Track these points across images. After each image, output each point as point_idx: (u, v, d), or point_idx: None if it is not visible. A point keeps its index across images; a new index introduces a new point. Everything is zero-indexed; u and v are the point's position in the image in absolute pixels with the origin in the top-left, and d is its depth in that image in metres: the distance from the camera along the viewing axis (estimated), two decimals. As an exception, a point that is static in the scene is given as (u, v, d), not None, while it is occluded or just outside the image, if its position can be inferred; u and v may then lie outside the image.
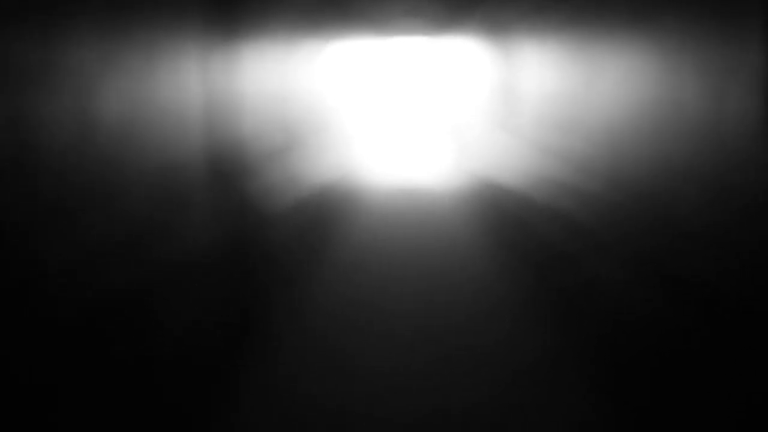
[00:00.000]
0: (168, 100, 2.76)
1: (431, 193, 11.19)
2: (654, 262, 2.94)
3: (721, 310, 2.33)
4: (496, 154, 7.89)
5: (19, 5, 1.66)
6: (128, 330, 2.29)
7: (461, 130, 13.15)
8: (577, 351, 4.17)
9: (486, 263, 6.42)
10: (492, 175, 8.19)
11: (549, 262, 5.04)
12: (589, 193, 3.94)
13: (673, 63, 2.67)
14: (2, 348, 1.58)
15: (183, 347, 2.88)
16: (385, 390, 3.69)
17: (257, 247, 4.30)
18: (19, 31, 1.65)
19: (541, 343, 4.40)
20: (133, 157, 2.32)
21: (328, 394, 3.64)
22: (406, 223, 8.58)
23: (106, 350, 2.12)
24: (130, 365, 2.31)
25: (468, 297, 5.42)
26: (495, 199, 7.92)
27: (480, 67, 9.62)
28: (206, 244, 3.17)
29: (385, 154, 18.09)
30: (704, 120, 2.43)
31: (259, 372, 3.91)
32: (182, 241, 2.84)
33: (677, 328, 2.67)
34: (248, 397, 3.59)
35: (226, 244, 3.51)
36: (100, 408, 2.09)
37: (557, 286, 4.79)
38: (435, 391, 3.68)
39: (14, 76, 1.64)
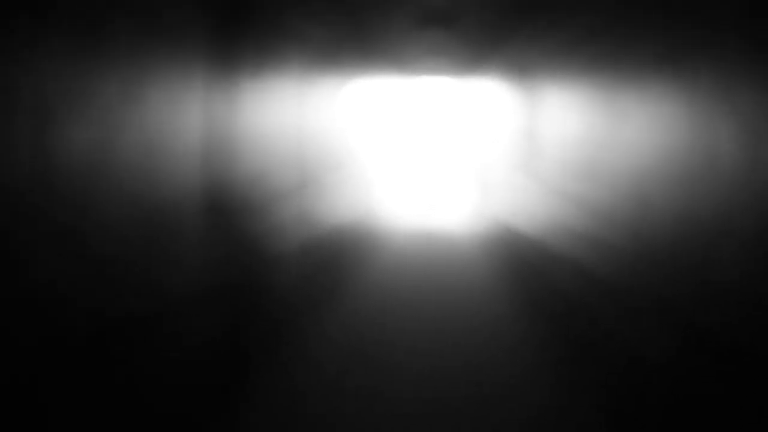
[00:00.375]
0: (165, 137, 2.64)
1: (450, 236, 11.02)
2: (677, 315, 2.80)
3: (745, 367, 2.13)
4: (517, 198, 7.72)
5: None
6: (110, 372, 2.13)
7: (483, 172, 13.01)
8: (589, 399, 3.97)
9: (502, 308, 6.21)
10: (512, 220, 8.01)
11: (565, 311, 4.85)
12: (610, 242, 3.77)
13: (705, 108, 2.51)
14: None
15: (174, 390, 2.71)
16: (398, 427, 3.55)
17: (260, 287, 4.14)
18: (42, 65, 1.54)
19: (552, 388, 4.20)
20: (113, 194, 2.18)
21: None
22: (424, 265, 8.40)
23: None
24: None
25: (482, 340, 5.24)
26: (514, 244, 7.73)
27: (503, 109, 9.50)
28: (197, 282, 3.02)
29: (405, 195, 17.98)
30: (739, 169, 2.25)
31: (265, 409, 3.75)
32: (171, 278, 2.69)
33: (694, 380, 2.47)
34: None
35: (221, 283, 3.36)
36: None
37: (572, 335, 4.63)
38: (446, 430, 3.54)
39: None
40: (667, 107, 2.91)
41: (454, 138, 21.65)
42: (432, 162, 22.14)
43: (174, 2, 2.65)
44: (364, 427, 3.73)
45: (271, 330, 4.52)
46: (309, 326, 5.56)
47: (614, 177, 3.69)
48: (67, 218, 1.95)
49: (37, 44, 1.76)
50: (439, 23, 7.87)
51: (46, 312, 1.77)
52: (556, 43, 5.39)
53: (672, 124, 2.84)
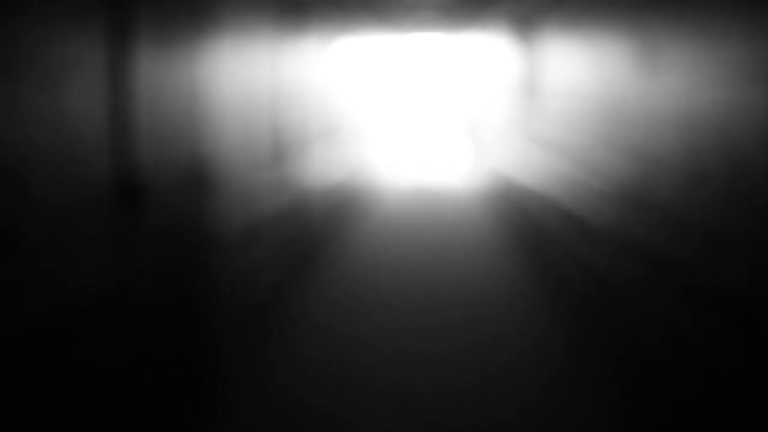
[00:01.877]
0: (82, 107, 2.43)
1: (447, 191, 10.86)
2: (666, 264, 2.83)
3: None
4: (515, 151, 7.53)
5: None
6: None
7: (480, 126, 12.79)
8: (589, 349, 3.85)
9: (500, 260, 6.08)
10: (510, 173, 7.83)
11: (562, 261, 4.72)
12: (607, 193, 3.62)
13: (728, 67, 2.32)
14: None
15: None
16: (392, 378, 3.39)
17: (225, 262, 3.97)
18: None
19: (551, 340, 4.07)
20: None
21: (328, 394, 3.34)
22: (419, 221, 8.25)
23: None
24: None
25: (480, 292, 5.11)
26: (512, 197, 7.56)
27: (500, 61, 9.26)
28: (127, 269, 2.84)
29: (400, 152, 17.75)
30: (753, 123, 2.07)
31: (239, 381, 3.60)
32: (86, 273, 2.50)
33: (699, 338, 2.33)
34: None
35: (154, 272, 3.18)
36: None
37: (569, 286, 4.53)
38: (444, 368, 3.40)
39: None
40: (671, 57, 2.72)
41: (450, 93, 21.34)
42: (428, 117, 21.85)
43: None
44: (355, 379, 3.61)
45: (242, 306, 4.37)
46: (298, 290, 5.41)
47: (614, 128, 3.52)
48: None
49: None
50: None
51: None
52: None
53: (691, 76, 2.65)
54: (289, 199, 5.06)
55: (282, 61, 4.82)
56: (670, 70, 2.88)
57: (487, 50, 11.06)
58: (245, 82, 3.79)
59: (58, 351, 1.83)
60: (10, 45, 1.64)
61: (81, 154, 1.97)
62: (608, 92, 3.86)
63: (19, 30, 1.68)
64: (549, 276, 5.62)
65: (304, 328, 4.53)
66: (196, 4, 2.93)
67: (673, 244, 2.85)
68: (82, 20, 1.99)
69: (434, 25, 12.78)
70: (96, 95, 2.07)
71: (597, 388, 3.63)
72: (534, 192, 6.39)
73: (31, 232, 1.72)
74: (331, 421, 3.29)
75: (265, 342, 4.24)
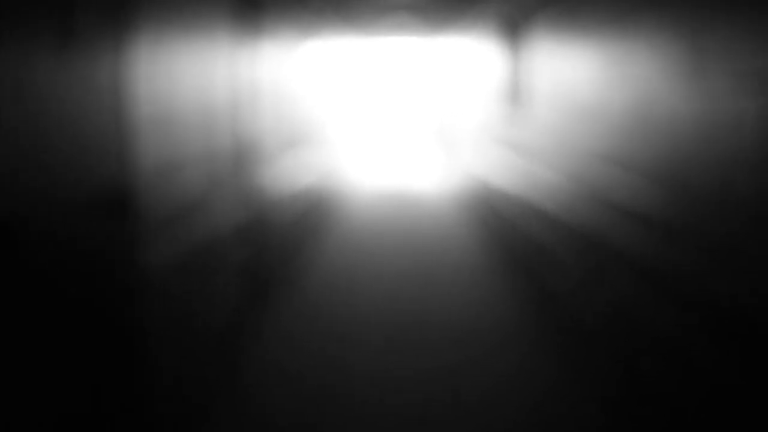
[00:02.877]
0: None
1: (422, 195, 10.43)
2: (642, 267, 2.75)
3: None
4: (490, 154, 7.11)
5: None
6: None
7: (458, 134, 12.39)
8: (567, 350, 3.44)
9: (475, 260, 5.64)
10: (486, 176, 7.41)
11: (542, 265, 4.32)
12: (587, 196, 3.22)
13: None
14: None
15: None
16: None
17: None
18: None
19: (531, 341, 3.65)
20: None
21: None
22: (391, 230, 7.80)
23: None
24: None
25: (458, 296, 4.67)
26: (489, 201, 7.14)
27: (482, 67, 8.85)
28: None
29: (374, 160, 17.31)
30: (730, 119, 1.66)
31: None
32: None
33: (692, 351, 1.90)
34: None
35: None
36: None
37: (549, 289, 4.17)
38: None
39: None
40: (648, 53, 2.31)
41: (427, 99, 20.94)
42: (404, 125, 21.43)
43: None
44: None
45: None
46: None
47: (587, 137, 3.10)
48: None
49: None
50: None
51: None
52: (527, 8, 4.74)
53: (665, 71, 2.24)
54: (249, 214, 4.57)
55: (243, 65, 4.34)
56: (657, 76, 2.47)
57: (468, 54, 10.66)
58: (196, 88, 3.30)
59: None
60: None
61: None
62: (603, 99, 3.44)
63: None
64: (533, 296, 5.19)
65: (257, 383, 4.04)
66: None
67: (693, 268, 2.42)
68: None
69: (411, 29, 12.34)
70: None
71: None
72: (512, 201, 5.96)
73: None
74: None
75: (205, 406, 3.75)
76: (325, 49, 8.81)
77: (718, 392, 2.29)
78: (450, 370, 3.93)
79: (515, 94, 6.31)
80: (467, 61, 10.30)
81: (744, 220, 2.13)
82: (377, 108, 21.25)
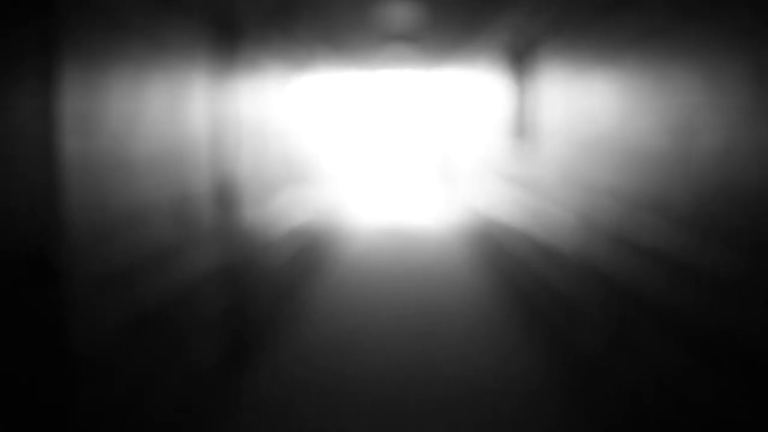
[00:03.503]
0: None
1: (422, 229, 10.02)
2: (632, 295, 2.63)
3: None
4: (495, 192, 6.71)
5: None
6: None
7: (461, 164, 12.02)
8: (563, 372, 2.99)
9: (478, 299, 5.19)
10: (486, 211, 7.00)
11: (537, 292, 3.87)
12: (592, 230, 2.81)
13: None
14: None
15: None
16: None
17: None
18: None
19: (531, 365, 3.19)
20: None
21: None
22: (395, 266, 7.36)
23: None
24: None
25: (463, 331, 4.19)
26: (489, 235, 6.72)
27: (486, 100, 8.50)
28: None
29: (375, 193, 16.93)
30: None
31: None
32: None
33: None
34: None
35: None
36: None
37: (552, 320, 3.70)
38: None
39: None
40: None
41: (422, 129, 20.62)
42: (404, 155, 21.07)
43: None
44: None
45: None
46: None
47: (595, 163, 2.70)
48: None
49: None
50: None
51: None
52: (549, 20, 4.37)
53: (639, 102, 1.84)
54: (231, 260, 4.16)
55: (226, 100, 3.96)
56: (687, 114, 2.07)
57: (469, 87, 10.33)
58: (162, 126, 2.91)
59: None
60: None
61: None
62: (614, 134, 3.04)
63: None
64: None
65: None
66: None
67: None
68: None
69: (410, 60, 12.02)
70: None
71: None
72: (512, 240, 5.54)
73: None
74: None
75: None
76: (320, 84, 8.46)
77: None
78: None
79: (520, 127, 5.93)
80: (469, 94, 9.97)
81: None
82: (376, 144, 20.94)
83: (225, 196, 3.93)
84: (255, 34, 4.70)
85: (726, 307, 2.19)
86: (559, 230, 4.44)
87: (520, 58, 5.85)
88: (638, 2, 2.95)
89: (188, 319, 3.19)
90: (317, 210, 7.98)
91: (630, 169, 3.09)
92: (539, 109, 5.05)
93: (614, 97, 3.30)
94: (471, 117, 9.72)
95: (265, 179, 5.08)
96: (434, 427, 3.58)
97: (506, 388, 4.11)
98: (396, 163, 21.14)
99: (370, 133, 20.78)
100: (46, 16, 1.93)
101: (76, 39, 2.07)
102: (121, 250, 2.41)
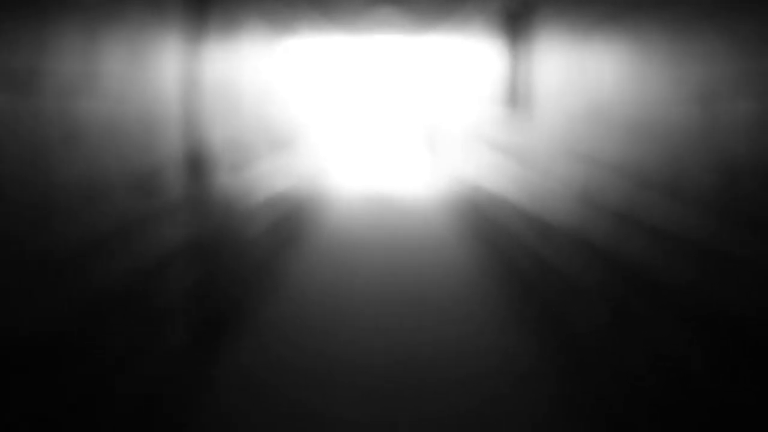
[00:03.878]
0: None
1: (408, 197, 9.79)
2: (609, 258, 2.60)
3: None
4: (480, 161, 6.47)
5: None
6: None
7: (449, 133, 11.76)
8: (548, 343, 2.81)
9: (463, 266, 4.99)
10: (475, 181, 6.77)
11: (526, 262, 3.69)
12: (572, 197, 2.59)
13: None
14: None
15: None
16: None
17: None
18: None
19: (517, 334, 3.01)
20: None
21: None
22: (377, 228, 7.14)
23: None
24: None
25: (448, 299, 3.98)
26: (476, 205, 6.50)
27: (478, 66, 8.22)
28: None
29: (360, 160, 16.64)
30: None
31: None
32: None
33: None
34: None
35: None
36: None
37: (538, 292, 3.51)
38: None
39: None
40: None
41: (410, 96, 20.29)
42: (390, 123, 20.75)
43: None
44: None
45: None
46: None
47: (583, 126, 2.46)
48: None
49: None
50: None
51: None
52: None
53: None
54: (205, 230, 3.90)
55: (202, 65, 3.66)
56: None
57: (460, 53, 10.02)
58: (121, 92, 2.63)
59: None
60: None
61: None
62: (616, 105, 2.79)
63: None
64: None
65: None
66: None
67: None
68: None
69: (398, 26, 11.67)
70: None
71: None
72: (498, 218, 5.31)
73: None
74: None
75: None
76: (304, 48, 8.14)
77: None
78: None
79: (513, 94, 5.66)
80: (459, 60, 9.67)
81: None
82: (363, 110, 20.59)
83: (200, 166, 3.65)
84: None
85: (764, 299, 1.96)
86: (552, 202, 4.20)
87: (514, 20, 5.57)
88: (651, -44, 2.68)
89: (153, 298, 2.94)
90: (300, 177, 7.71)
91: (639, 140, 2.84)
92: (534, 76, 4.79)
93: (626, 59, 3.04)
94: (461, 84, 9.43)
95: (244, 145, 4.79)
96: (414, 407, 3.37)
97: (500, 369, 3.92)
98: (383, 131, 20.82)
99: (356, 100, 20.42)
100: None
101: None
102: (73, 230, 2.15)
